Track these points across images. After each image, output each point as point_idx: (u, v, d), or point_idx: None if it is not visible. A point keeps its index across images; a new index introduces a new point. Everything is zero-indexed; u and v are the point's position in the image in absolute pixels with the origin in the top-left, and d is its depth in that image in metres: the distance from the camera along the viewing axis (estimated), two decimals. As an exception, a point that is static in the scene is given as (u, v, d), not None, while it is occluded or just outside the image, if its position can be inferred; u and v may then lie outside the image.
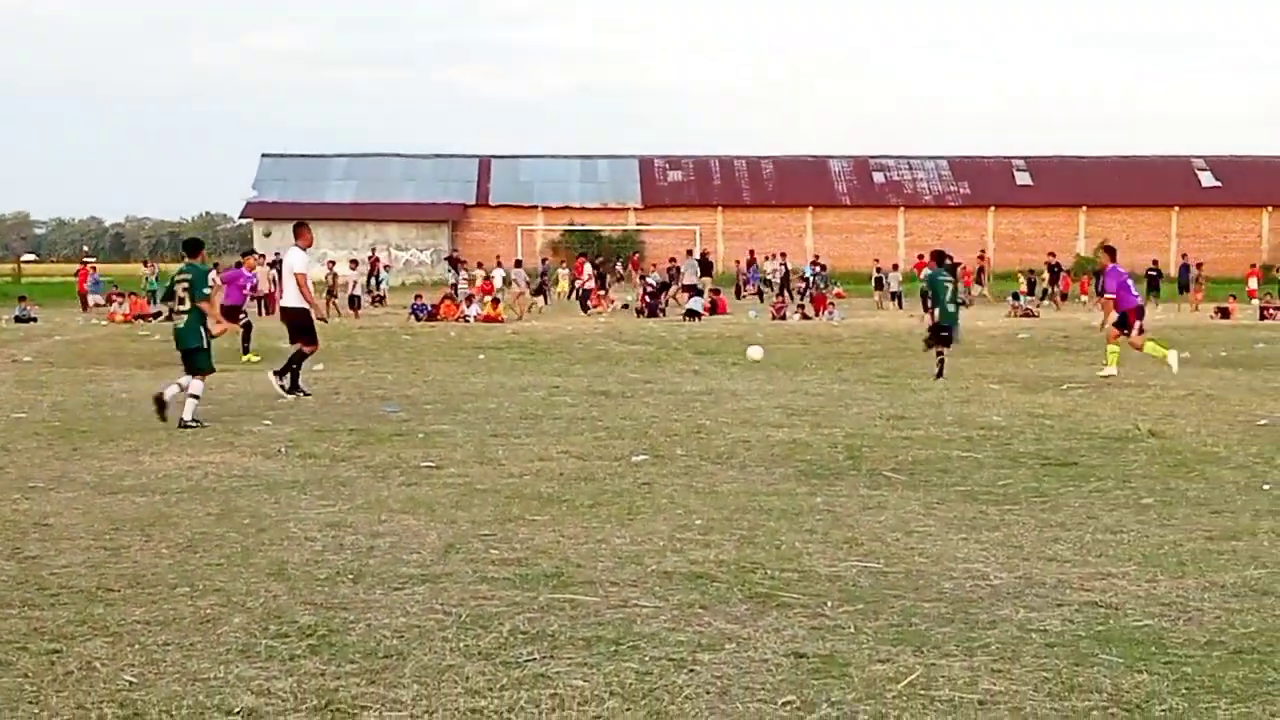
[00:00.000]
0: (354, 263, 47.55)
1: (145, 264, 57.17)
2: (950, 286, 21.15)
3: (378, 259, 56.45)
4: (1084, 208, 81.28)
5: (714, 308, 43.17)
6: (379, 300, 47.28)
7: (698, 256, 52.23)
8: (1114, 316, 21.07)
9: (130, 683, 5.87)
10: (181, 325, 15.29)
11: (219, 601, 7.22)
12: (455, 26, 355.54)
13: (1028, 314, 42.64)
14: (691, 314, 40.58)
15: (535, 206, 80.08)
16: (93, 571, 7.93)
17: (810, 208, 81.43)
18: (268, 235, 71.21)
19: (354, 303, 42.70)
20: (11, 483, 11.12)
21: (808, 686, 5.85)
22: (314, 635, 6.55)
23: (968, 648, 6.39)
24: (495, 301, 40.88)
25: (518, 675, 5.97)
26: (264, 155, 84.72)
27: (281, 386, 17.73)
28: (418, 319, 39.18)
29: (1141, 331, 21.23)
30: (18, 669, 6.08)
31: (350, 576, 7.78)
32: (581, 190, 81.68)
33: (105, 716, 5.46)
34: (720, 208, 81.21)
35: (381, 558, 8.29)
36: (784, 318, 41.10)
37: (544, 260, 60.54)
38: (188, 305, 15.24)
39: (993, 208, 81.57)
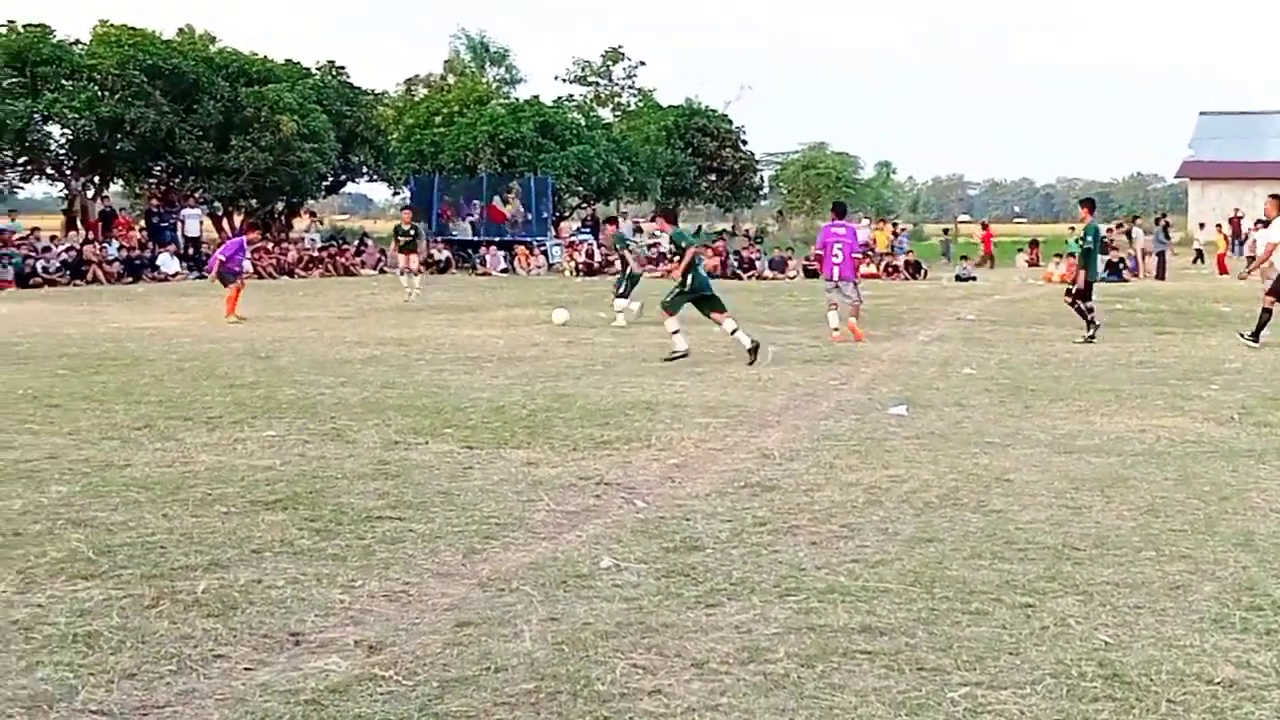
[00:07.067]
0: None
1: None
2: None
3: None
4: None
5: None
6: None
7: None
8: None
9: (1106, 643, 5.96)
10: None
11: (1186, 568, 7.17)
12: None
13: None
14: None
15: None
16: (1056, 529, 8.12)
17: None
18: None
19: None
20: (969, 437, 11.59)
21: None
22: (1290, 610, 6.37)
23: None
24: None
25: None
26: (1201, 113, 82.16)
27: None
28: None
29: None
30: (994, 619, 6.33)
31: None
32: None
33: (1085, 674, 5.57)
34: None
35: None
36: None
37: None
38: None
39: None
